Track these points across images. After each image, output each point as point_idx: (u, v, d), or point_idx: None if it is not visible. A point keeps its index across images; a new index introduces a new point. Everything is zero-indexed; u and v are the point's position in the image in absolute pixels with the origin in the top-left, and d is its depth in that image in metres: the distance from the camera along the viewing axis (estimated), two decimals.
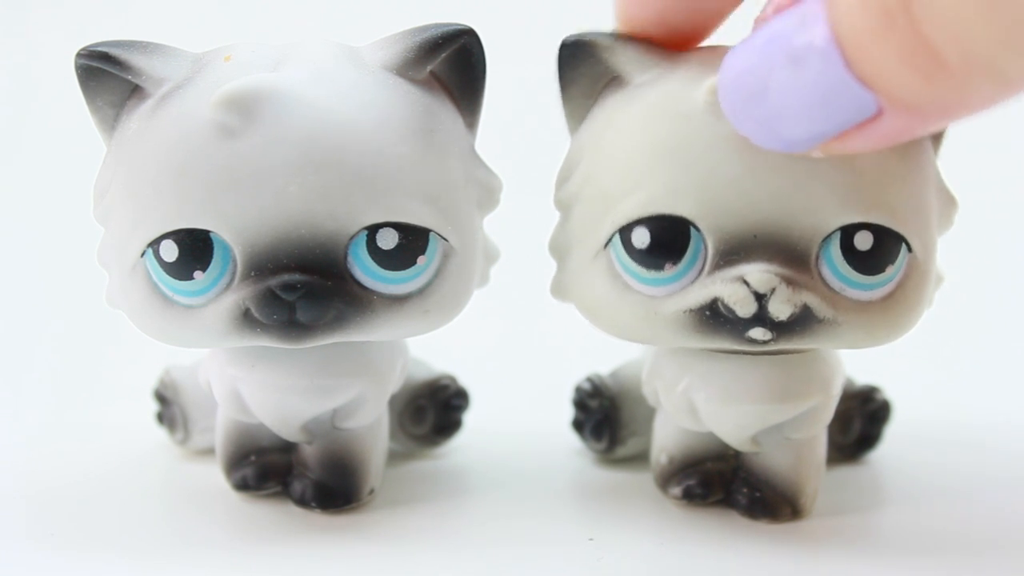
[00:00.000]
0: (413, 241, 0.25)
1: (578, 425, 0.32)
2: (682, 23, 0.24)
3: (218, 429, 0.29)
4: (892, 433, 0.32)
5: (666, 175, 0.24)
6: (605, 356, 0.32)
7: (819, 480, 0.28)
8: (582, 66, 0.26)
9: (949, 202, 0.26)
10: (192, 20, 0.58)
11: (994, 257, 0.52)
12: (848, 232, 0.24)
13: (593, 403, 0.31)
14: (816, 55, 0.19)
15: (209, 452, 0.31)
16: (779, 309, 0.23)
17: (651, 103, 0.24)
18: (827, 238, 0.24)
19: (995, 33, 0.17)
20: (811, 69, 0.19)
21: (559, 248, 0.27)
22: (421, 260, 0.25)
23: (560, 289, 0.27)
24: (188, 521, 0.28)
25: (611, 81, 0.26)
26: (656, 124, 0.24)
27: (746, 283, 0.23)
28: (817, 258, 0.24)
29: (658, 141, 0.24)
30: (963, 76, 0.18)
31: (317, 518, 0.28)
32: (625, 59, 0.25)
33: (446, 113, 0.26)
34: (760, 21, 0.21)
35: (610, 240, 0.25)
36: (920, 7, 0.17)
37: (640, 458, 0.31)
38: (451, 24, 0.25)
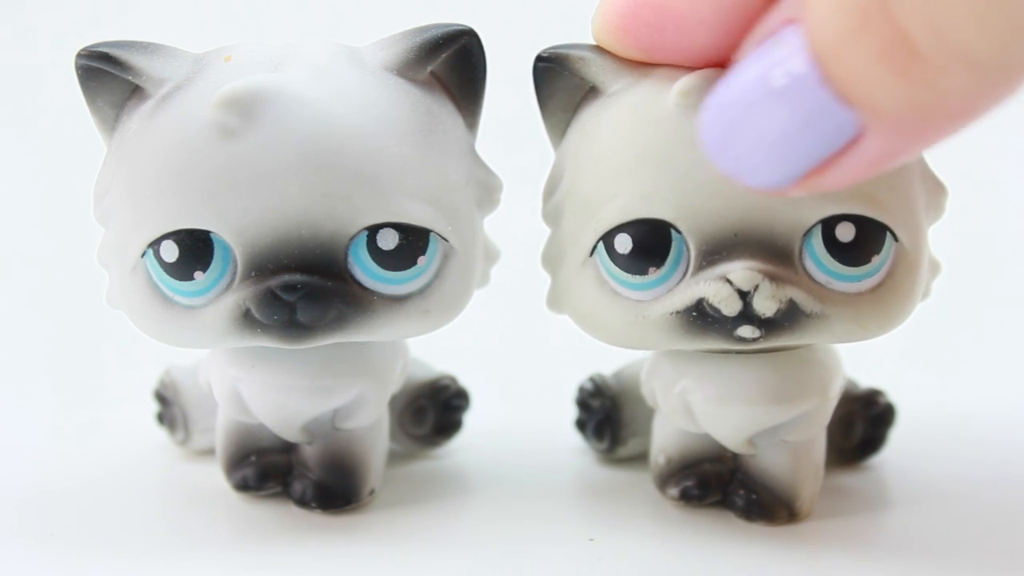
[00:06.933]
0: (413, 241, 0.25)
1: (580, 425, 0.32)
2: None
3: (218, 429, 0.29)
4: (896, 437, 0.32)
5: (643, 180, 0.24)
6: (606, 356, 0.32)
7: (817, 484, 0.27)
8: (558, 80, 0.26)
9: (937, 189, 0.26)
10: (192, 20, 0.58)
11: (1000, 261, 0.52)
12: (829, 224, 0.24)
13: (595, 403, 0.31)
14: (794, 78, 0.19)
15: (209, 452, 0.31)
16: (764, 306, 0.23)
17: (624, 110, 0.25)
18: (808, 232, 0.24)
19: (968, 14, 0.17)
20: (789, 95, 0.19)
21: (550, 261, 0.27)
22: (421, 260, 0.25)
23: (554, 301, 0.27)
24: (188, 521, 0.28)
25: (588, 93, 0.26)
26: (630, 130, 0.24)
27: (729, 282, 0.23)
28: (800, 252, 0.24)
29: (633, 147, 0.24)
30: (937, 65, 0.18)
31: (317, 518, 0.28)
32: (598, 69, 0.25)
33: (446, 113, 0.26)
34: (739, 56, 0.21)
35: (595, 248, 0.25)
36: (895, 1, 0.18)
37: (641, 458, 0.31)
38: (452, 24, 0.25)
